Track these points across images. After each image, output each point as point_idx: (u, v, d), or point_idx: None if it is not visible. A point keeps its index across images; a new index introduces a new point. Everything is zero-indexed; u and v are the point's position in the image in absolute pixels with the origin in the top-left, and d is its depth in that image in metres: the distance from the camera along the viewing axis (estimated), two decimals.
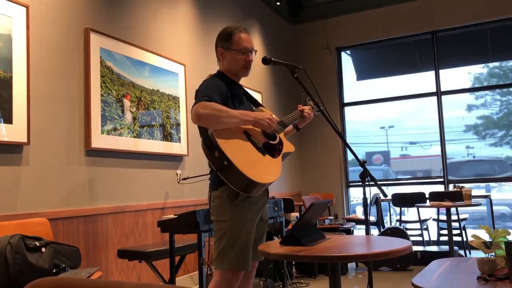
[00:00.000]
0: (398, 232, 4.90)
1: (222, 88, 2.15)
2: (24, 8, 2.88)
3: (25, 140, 2.80)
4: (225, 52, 2.25)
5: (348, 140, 7.07)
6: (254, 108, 2.39)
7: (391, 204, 6.41)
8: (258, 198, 2.16)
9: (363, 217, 5.81)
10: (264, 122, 2.11)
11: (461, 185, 4.82)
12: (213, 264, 2.13)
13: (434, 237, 6.05)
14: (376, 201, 5.79)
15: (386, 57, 7.01)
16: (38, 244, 2.39)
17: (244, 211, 2.09)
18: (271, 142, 2.19)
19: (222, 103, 2.07)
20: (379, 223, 5.74)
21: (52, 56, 3.09)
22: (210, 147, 2.00)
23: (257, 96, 5.86)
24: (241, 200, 2.08)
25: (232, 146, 1.99)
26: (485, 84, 6.36)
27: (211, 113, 1.97)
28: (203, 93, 2.07)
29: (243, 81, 6.05)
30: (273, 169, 2.08)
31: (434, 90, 6.53)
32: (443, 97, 6.49)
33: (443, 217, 5.63)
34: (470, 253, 5.63)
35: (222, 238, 2.08)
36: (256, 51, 2.31)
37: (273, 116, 2.20)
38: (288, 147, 2.28)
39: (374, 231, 5.88)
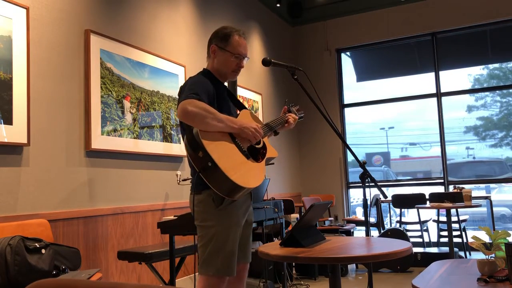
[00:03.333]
0: (398, 234, 4.90)
1: (209, 88, 2.09)
2: (24, 10, 2.88)
3: (25, 141, 2.81)
4: (219, 51, 2.21)
5: (348, 141, 7.08)
6: (238, 111, 2.31)
7: (391, 205, 6.41)
8: (242, 201, 2.12)
9: (363, 218, 5.80)
10: (249, 132, 2.05)
11: (461, 186, 4.82)
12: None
13: (434, 239, 6.04)
14: (376, 202, 5.78)
15: (386, 59, 7.02)
16: (38, 246, 2.39)
17: (230, 216, 2.05)
18: (255, 146, 2.15)
19: (208, 104, 2.01)
20: (379, 224, 5.74)
21: (52, 58, 3.09)
22: (194, 146, 1.93)
23: (257, 98, 5.87)
24: (226, 205, 2.03)
25: (217, 147, 1.94)
26: (485, 85, 6.36)
27: (199, 112, 1.91)
28: (191, 90, 2.00)
29: (243, 82, 6.03)
30: (257, 174, 2.03)
31: (434, 91, 6.53)
32: (443, 98, 6.49)
33: (443, 218, 5.63)
34: (470, 254, 5.62)
35: (207, 244, 2.03)
36: (248, 58, 2.28)
37: (259, 126, 2.15)
38: (271, 152, 2.24)
39: (374, 233, 5.88)
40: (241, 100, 5.38)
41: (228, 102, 2.25)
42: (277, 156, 2.29)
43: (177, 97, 2.19)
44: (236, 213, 2.07)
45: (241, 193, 1.94)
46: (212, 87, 2.12)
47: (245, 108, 2.31)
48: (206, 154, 1.88)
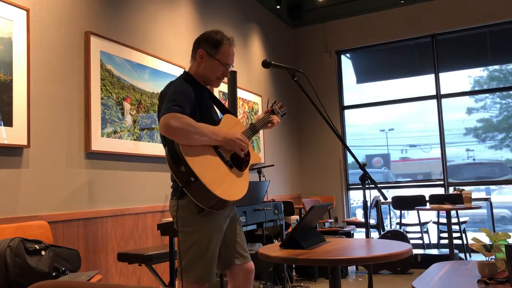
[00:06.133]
0: (398, 235, 4.89)
1: (191, 96, 2.04)
2: (25, 12, 2.89)
3: (25, 143, 2.81)
4: (207, 57, 2.17)
5: (348, 143, 7.08)
6: (220, 115, 2.26)
7: (391, 207, 6.41)
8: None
9: (363, 220, 5.80)
10: (234, 144, 2.03)
11: (461, 188, 4.81)
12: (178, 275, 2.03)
13: (434, 240, 6.04)
14: (376, 204, 5.78)
15: (386, 60, 7.02)
16: (38, 247, 2.39)
17: (212, 222, 2.02)
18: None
19: (191, 112, 1.98)
20: (379, 226, 5.73)
21: (52, 59, 3.09)
22: (176, 160, 1.89)
23: (257, 99, 5.87)
24: (209, 211, 1.99)
25: (200, 161, 1.89)
26: (485, 87, 6.36)
27: (182, 128, 1.86)
28: (174, 100, 1.93)
29: (243, 84, 6.01)
30: (241, 185, 2.01)
31: (434, 93, 6.54)
32: (443, 100, 6.50)
33: (443, 220, 5.62)
34: (470, 256, 5.62)
35: (188, 250, 1.99)
36: (233, 66, 2.26)
37: (242, 134, 2.12)
38: (254, 158, 2.20)
39: (374, 234, 5.88)
40: (241, 102, 5.40)
41: (211, 107, 2.21)
42: (260, 161, 2.26)
43: None
44: (218, 218, 2.05)
45: (225, 205, 1.93)
46: (194, 94, 2.07)
47: (228, 111, 2.27)
48: (188, 169, 1.85)
